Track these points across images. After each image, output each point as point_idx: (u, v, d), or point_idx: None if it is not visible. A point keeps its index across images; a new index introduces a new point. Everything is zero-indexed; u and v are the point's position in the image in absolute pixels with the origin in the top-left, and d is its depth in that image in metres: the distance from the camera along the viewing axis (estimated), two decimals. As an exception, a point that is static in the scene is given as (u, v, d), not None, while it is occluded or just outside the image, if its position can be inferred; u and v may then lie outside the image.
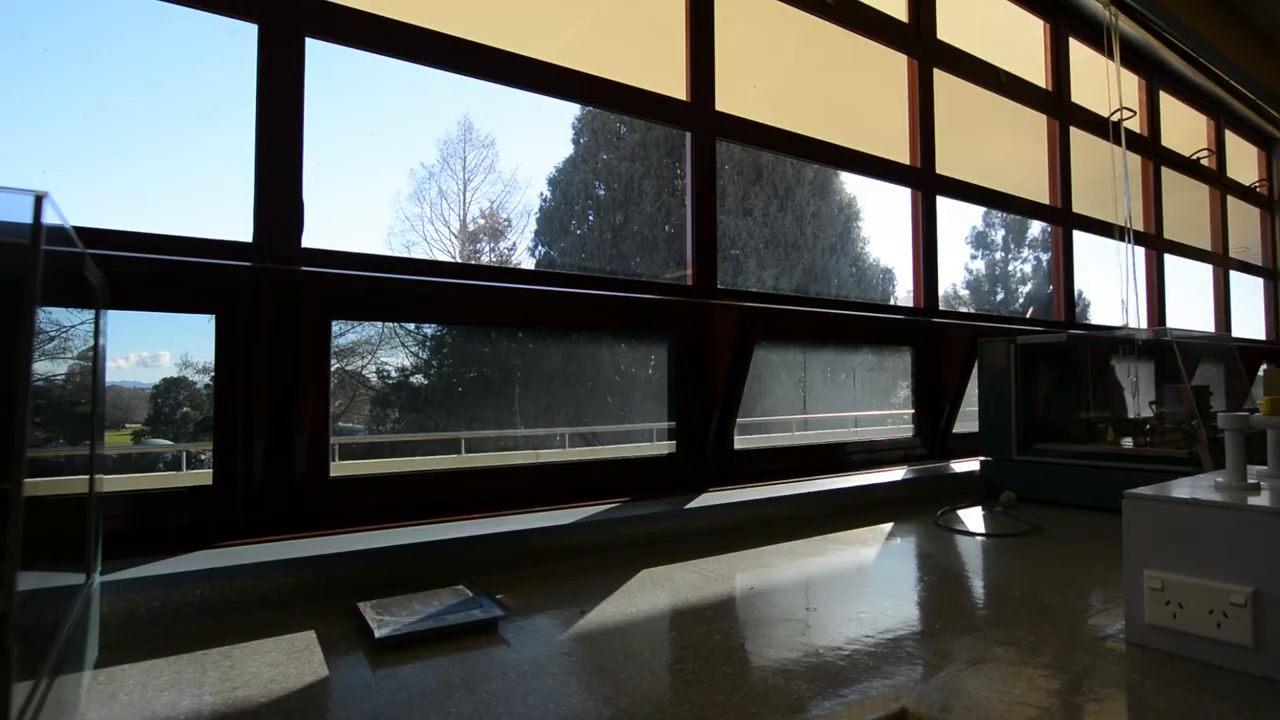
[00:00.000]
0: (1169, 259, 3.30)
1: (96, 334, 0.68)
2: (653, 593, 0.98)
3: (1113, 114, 2.74)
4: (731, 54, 1.69)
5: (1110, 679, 0.68)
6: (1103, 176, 2.79)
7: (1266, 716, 0.60)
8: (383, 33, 1.22)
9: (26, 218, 0.42)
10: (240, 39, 1.09)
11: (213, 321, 1.03)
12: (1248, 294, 4.06)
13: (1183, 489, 0.79)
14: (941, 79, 2.24)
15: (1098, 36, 2.80)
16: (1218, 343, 2.52)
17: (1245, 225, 4.03)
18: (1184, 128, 3.50)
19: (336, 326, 1.17)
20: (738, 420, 1.62)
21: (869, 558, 1.18)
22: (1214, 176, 3.69)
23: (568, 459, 1.57)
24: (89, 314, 0.66)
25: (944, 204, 2.24)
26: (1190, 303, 3.70)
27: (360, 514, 1.12)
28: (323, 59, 1.16)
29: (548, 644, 0.79)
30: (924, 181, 2.18)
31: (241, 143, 1.10)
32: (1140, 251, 3.15)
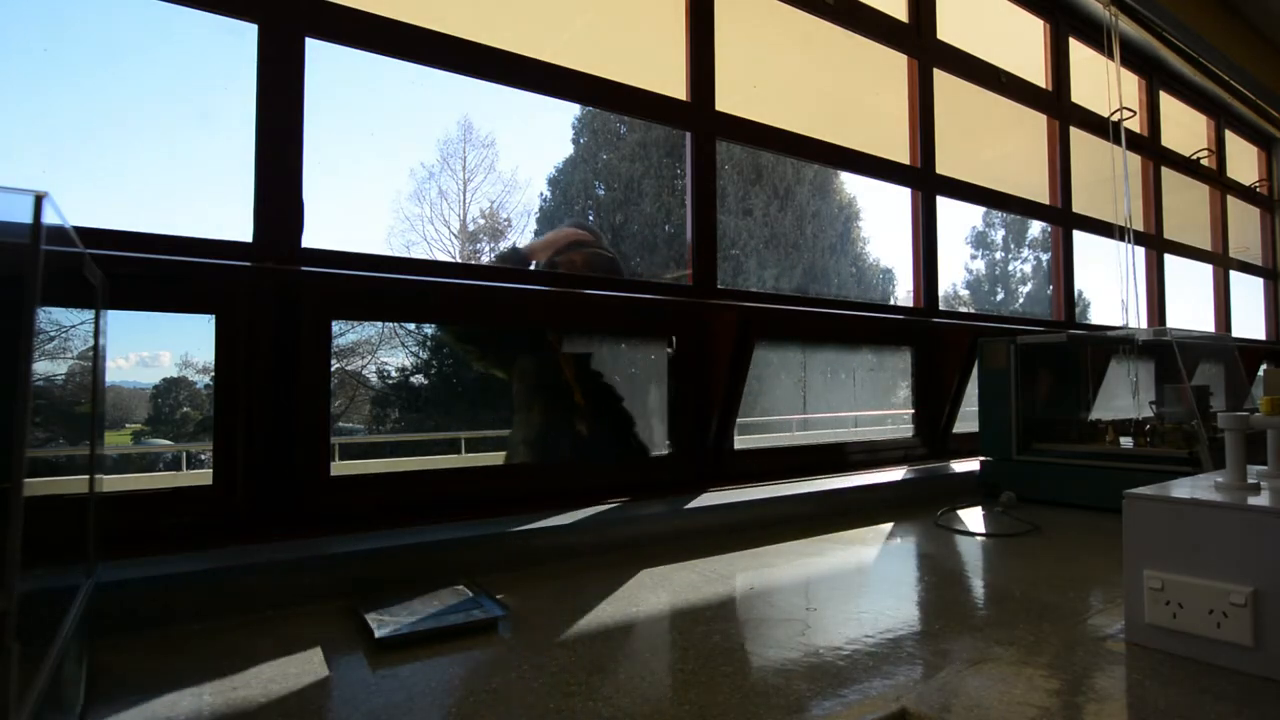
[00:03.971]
0: (1169, 259, 3.31)
1: (96, 334, 0.68)
2: (653, 593, 0.98)
3: (1113, 114, 2.74)
4: (731, 54, 1.69)
5: (1110, 679, 0.68)
6: (1103, 176, 2.79)
7: (1266, 716, 0.60)
8: (383, 33, 1.22)
9: (26, 218, 0.42)
10: (240, 39, 1.09)
11: (212, 321, 1.03)
12: (1248, 294, 4.07)
13: (1183, 489, 0.79)
14: (941, 79, 2.24)
15: (1098, 36, 2.80)
16: (1218, 343, 2.52)
17: (1245, 225, 4.03)
18: (1184, 128, 3.50)
19: (336, 326, 1.17)
20: (737, 420, 1.62)
21: (869, 558, 1.18)
22: (1214, 176, 3.68)
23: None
24: (89, 314, 0.66)
25: (944, 204, 2.24)
26: (1189, 303, 3.70)
27: (360, 514, 1.12)
28: (323, 59, 1.16)
29: (548, 644, 0.79)
30: (924, 181, 2.18)
31: (241, 142, 1.10)
32: (1140, 251, 3.15)
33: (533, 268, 1.66)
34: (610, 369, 1.68)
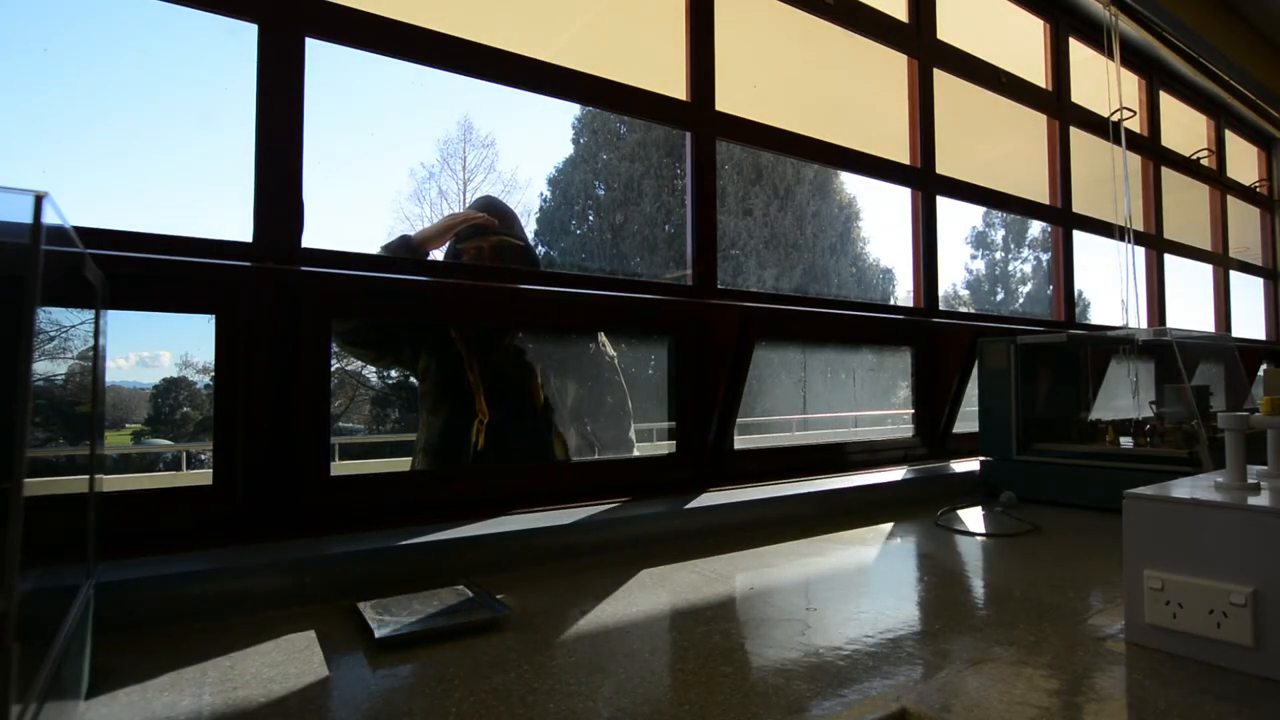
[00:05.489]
0: (1169, 259, 3.31)
1: (96, 334, 0.68)
2: (653, 593, 0.98)
3: (1113, 114, 2.74)
4: (731, 54, 1.69)
5: (1110, 679, 0.68)
6: (1103, 176, 2.79)
7: (1266, 716, 0.60)
8: (383, 32, 1.22)
9: (26, 218, 0.42)
10: (240, 39, 1.09)
11: (212, 321, 1.03)
12: (1248, 294, 4.07)
13: (1183, 489, 0.79)
14: (941, 79, 2.24)
15: (1098, 36, 2.80)
16: (1218, 343, 2.52)
17: (1245, 225, 4.03)
18: (1184, 128, 3.50)
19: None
20: (737, 420, 1.62)
21: (869, 558, 1.18)
22: (1214, 176, 3.69)
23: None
24: (89, 314, 0.66)
25: (944, 204, 2.24)
26: (1189, 303, 3.70)
27: (360, 514, 1.12)
28: (323, 59, 1.16)
29: (547, 644, 0.79)
30: (924, 181, 2.18)
31: (241, 142, 1.10)
32: (1140, 251, 3.15)
33: (431, 259, 1.56)
34: (541, 367, 1.60)
